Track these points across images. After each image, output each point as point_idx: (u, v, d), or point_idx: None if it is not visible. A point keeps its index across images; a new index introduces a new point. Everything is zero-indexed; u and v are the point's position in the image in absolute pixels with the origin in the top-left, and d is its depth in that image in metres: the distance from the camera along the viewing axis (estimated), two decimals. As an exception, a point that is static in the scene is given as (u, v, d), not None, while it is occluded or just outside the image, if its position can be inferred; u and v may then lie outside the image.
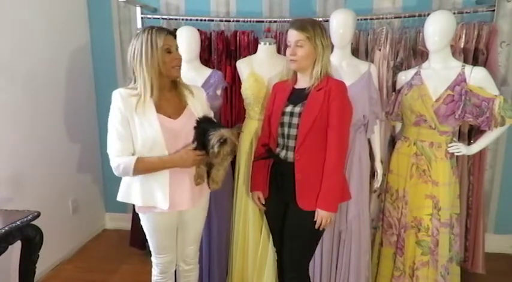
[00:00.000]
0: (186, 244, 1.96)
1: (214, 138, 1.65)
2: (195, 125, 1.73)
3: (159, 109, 1.69)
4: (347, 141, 1.83)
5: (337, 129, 1.75)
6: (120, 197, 1.80)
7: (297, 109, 1.81)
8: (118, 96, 1.66)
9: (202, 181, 1.81)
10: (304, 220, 1.82)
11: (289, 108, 1.84)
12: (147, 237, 1.87)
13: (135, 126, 1.66)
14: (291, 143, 1.82)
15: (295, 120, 1.80)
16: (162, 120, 1.68)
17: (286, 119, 1.83)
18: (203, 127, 1.71)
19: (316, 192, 1.78)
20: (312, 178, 1.79)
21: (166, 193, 1.71)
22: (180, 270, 2.02)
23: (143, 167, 1.65)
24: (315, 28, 1.76)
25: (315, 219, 1.79)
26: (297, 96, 1.84)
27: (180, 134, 1.71)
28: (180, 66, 1.73)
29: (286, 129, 1.83)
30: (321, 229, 1.81)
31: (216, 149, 1.65)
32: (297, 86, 1.89)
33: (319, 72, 1.77)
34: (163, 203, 1.71)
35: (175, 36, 1.72)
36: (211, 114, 1.90)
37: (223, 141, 1.65)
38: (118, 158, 1.65)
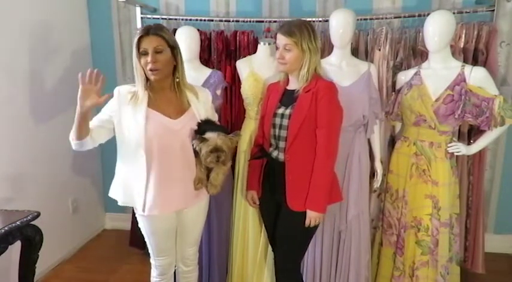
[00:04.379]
0: (186, 246, 1.95)
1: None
2: (196, 127, 1.72)
3: (158, 108, 1.70)
4: (336, 141, 1.81)
5: (325, 130, 1.75)
6: (110, 192, 1.83)
7: (287, 111, 1.82)
8: (116, 91, 1.72)
9: (202, 185, 1.80)
10: (295, 221, 1.83)
11: (280, 110, 1.85)
12: (146, 239, 1.87)
13: (122, 120, 1.68)
14: (282, 144, 1.83)
15: (285, 122, 1.81)
16: (159, 118, 1.69)
17: (277, 120, 1.84)
18: (203, 129, 1.71)
19: (306, 193, 1.79)
20: (302, 179, 1.79)
21: (142, 196, 1.70)
22: (180, 271, 2.01)
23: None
24: (302, 32, 1.75)
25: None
26: (288, 97, 1.86)
27: (177, 133, 1.71)
28: (155, 69, 1.62)
29: (277, 131, 1.84)
30: (311, 226, 1.81)
31: (194, 146, 1.67)
32: (289, 87, 1.90)
33: (305, 75, 1.78)
34: (139, 206, 1.72)
35: (162, 37, 1.63)
36: (215, 117, 1.89)
37: (202, 140, 1.65)
38: None
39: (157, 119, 1.69)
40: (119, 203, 1.79)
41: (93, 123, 1.71)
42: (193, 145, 1.69)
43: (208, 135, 1.66)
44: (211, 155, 1.66)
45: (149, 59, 1.61)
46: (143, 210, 1.72)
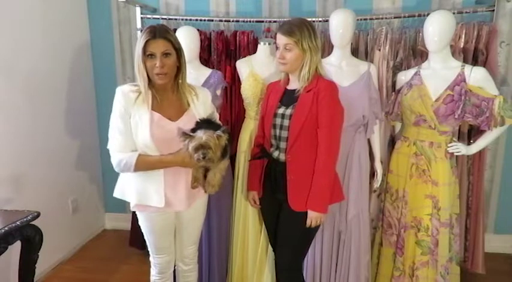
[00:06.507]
0: (185, 245, 1.95)
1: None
2: (194, 126, 1.70)
3: (160, 110, 1.69)
4: (337, 141, 1.80)
5: (326, 129, 1.75)
6: (116, 193, 1.81)
7: (288, 111, 1.81)
8: (119, 92, 1.69)
9: (199, 184, 1.79)
10: (296, 221, 1.82)
11: (280, 110, 1.85)
12: (145, 237, 1.88)
13: (133, 122, 1.67)
14: (283, 144, 1.83)
15: (286, 122, 1.80)
16: (161, 121, 1.68)
17: (278, 121, 1.84)
18: (199, 128, 1.68)
19: (307, 193, 1.78)
20: (303, 179, 1.79)
21: (161, 191, 1.70)
22: (179, 270, 2.02)
23: (144, 164, 1.65)
24: (302, 31, 1.74)
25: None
26: (289, 97, 1.85)
27: (176, 135, 1.70)
28: (163, 73, 1.62)
29: (278, 131, 1.84)
30: (313, 226, 1.81)
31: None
32: (289, 87, 1.89)
33: (306, 75, 1.77)
34: (159, 201, 1.71)
35: (169, 40, 1.63)
36: (216, 116, 1.88)
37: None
38: (120, 153, 1.66)
39: (159, 121, 1.68)
40: (133, 203, 1.76)
41: (121, 141, 1.67)
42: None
43: (196, 133, 1.64)
44: (198, 152, 1.62)
45: (158, 63, 1.60)
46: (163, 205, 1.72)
